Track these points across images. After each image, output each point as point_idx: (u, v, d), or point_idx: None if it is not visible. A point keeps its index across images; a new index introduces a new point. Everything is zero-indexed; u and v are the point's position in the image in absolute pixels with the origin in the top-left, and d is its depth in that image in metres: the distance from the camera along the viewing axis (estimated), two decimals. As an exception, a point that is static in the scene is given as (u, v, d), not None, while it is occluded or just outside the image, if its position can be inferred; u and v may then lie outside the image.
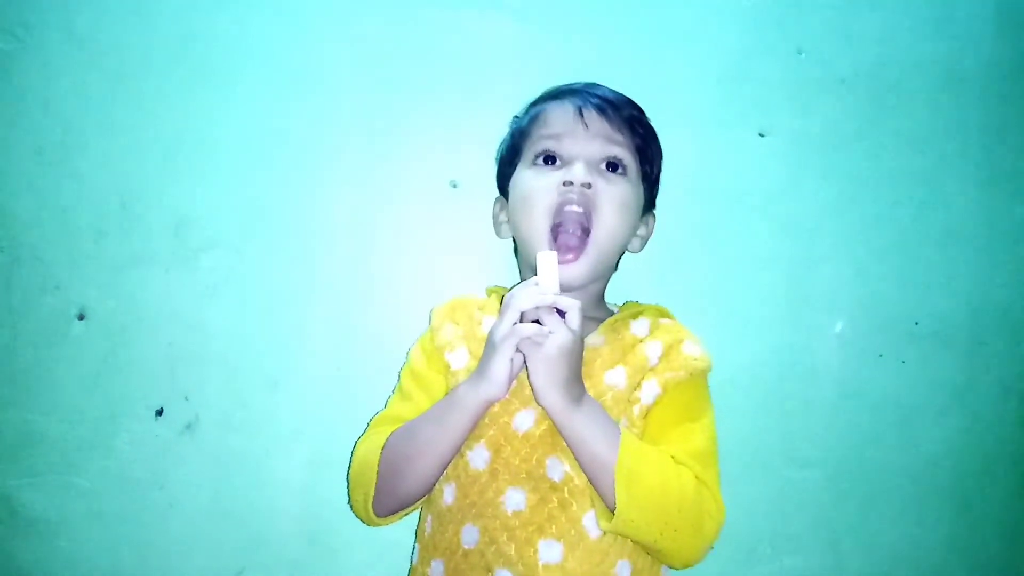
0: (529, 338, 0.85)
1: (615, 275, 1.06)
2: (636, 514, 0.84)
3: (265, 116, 1.19)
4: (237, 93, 1.18)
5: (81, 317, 1.16)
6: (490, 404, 0.90)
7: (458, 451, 0.92)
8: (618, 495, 0.83)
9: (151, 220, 1.17)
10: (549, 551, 0.87)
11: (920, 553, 1.26)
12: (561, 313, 0.87)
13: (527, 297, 0.86)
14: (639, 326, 0.98)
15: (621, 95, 1.02)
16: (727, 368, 1.15)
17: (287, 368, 1.18)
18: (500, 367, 0.86)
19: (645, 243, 1.06)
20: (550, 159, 0.98)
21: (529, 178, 0.99)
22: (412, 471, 0.91)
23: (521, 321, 0.86)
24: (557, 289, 0.88)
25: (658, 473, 0.86)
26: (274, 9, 1.19)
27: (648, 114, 1.03)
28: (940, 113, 1.27)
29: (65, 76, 1.16)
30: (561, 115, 0.97)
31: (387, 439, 0.93)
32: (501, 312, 0.88)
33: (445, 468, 0.92)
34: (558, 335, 0.85)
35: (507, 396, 0.90)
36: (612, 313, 1.05)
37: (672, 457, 0.89)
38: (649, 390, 0.92)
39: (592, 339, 0.96)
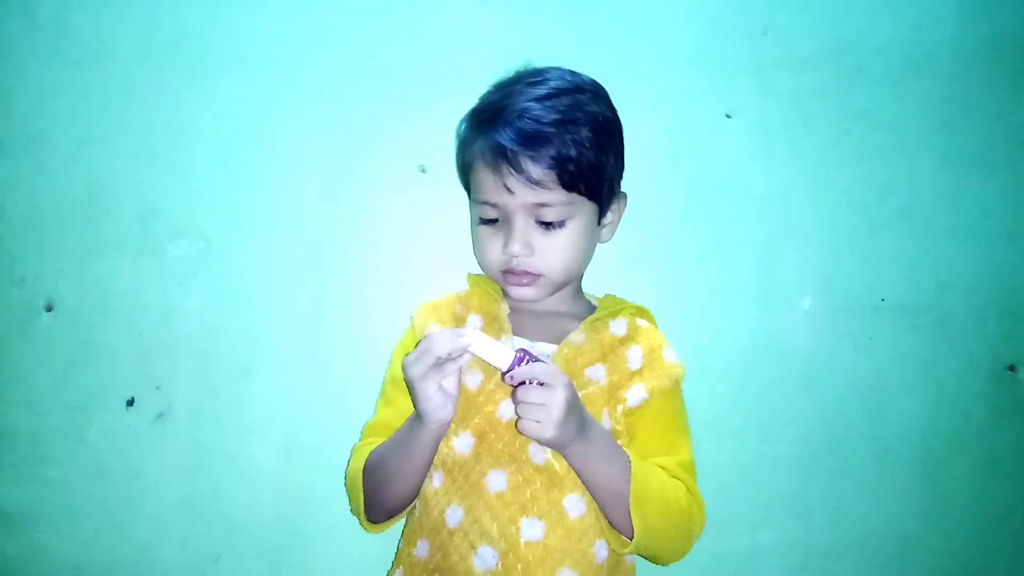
0: (529, 404, 0.85)
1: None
2: (646, 539, 0.91)
3: (232, 104, 1.18)
4: (204, 81, 1.17)
5: (49, 309, 1.15)
6: (443, 429, 0.92)
7: (429, 469, 0.95)
8: (635, 525, 0.89)
9: (118, 210, 1.16)
10: (531, 529, 0.91)
11: (890, 525, 1.28)
12: (533, 357, 0.87)
13: (444, 341, 0.87)
14: (617, 326, 1.01)
15: (551, 109, 0.95)
16: (696, 347, 1.17)
17: (258, 355, 1.18)
18: (431, 404, 0.88)
19: (615, 229, 1.07)
20: (490, 220, 1.00)
21: (477, 229, 1.02)
22: (390, 492, 0.96)
23: (513, 384, 0.87)
24: (504, 366, 0.87)
25: (661, 498, 0.92)
26: (239, -3, 1.18)
27: (614, 96, 1.03)
28: (904, 92, 1.28)
29: (28, 64, 1.15)
30: (487, 180, 0.97)
31: (366, 460, 0.97)
32: (416, 353, 0.88)
33: (421, 482, 0.96)
34: (558, 393, 0.84)
35: (453, 417, 0.92)
36: (591, 305, 1.07)
37: (664, 468, 0.95)
38: (636, 394, 0.96)
39: (574, 337, 0.99)
